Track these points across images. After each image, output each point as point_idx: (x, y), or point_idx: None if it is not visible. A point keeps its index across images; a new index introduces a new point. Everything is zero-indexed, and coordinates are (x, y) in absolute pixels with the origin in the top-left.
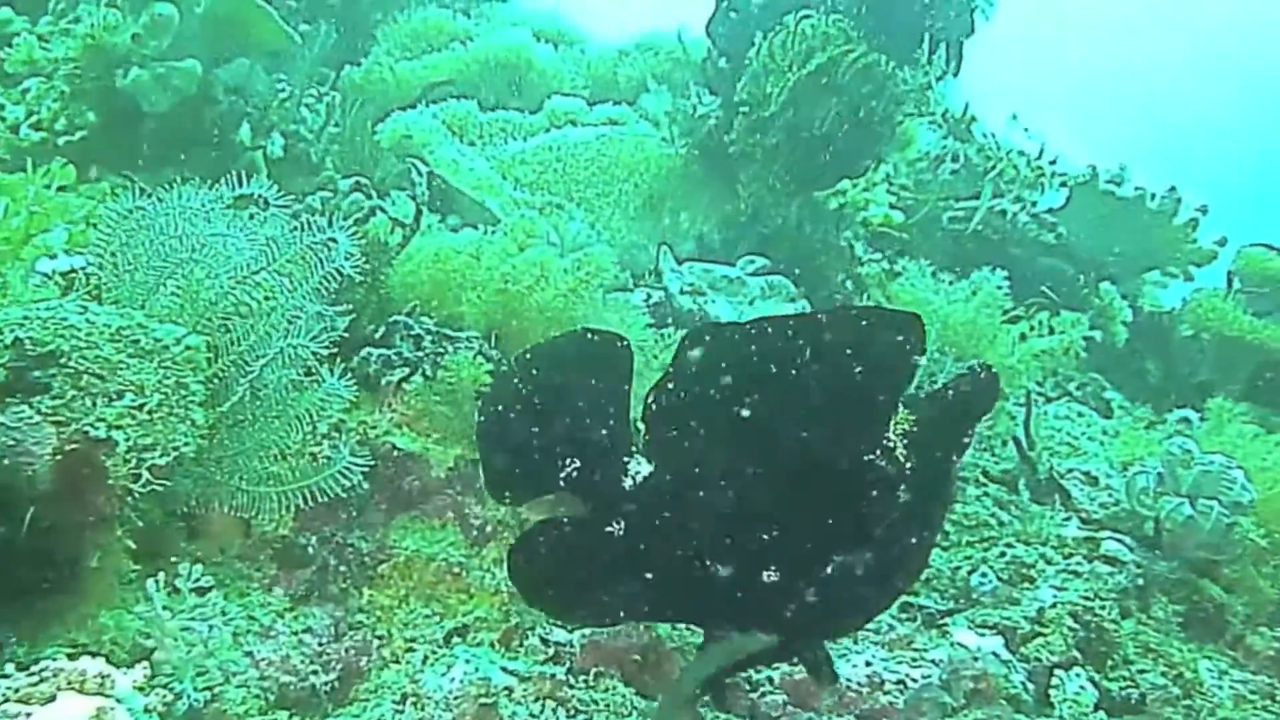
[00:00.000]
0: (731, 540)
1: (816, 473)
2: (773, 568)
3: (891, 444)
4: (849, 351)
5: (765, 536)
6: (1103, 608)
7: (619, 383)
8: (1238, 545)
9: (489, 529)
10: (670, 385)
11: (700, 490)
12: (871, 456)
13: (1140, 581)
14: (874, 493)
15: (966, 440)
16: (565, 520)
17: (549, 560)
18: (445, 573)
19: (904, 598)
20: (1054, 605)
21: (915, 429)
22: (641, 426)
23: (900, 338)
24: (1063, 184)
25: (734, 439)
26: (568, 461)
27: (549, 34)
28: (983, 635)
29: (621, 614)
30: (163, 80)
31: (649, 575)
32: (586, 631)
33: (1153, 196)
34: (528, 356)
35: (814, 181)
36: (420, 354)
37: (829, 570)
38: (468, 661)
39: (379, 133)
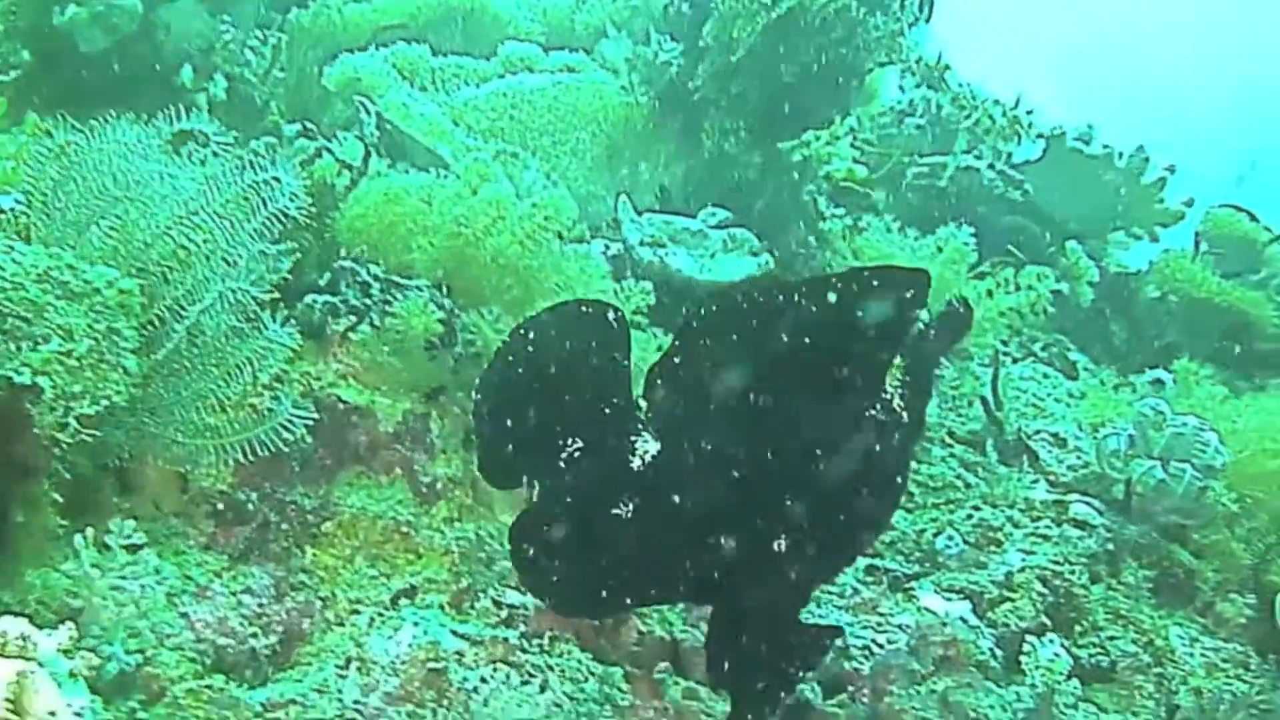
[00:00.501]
0: (739, 512)
1: (820, 434)
2: (783, 536)
3: (889, 396)
4: (856, 313)
5: (773, 505)
6: (1072, 573)
7: (618, 357)
8: (1209, 510)
9: (439, 486)
10: (676, 358)
11: (707, 464)
12: (873, 412)
13: (1110, 546)
14: (876, 447)
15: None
16: (567, 507)
17: (558, 553)
18: (393, 531)
19: (868, 560)
20: (1022, 570)
21: (907, 376)
22: (644, 403)
23: (909, 293)
24: (1039, 136)
25: (741, 408)
26: (569, 443)
27: None
28: (950, 600)
29: (629, 602)
30: (101, 19)
31: (657, 558)
32: None
33: (1120, 155)
34: (522, 331)
35: (781, 131)
36: (368, 301)
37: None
38: (416, 624)
39: (326, 76)
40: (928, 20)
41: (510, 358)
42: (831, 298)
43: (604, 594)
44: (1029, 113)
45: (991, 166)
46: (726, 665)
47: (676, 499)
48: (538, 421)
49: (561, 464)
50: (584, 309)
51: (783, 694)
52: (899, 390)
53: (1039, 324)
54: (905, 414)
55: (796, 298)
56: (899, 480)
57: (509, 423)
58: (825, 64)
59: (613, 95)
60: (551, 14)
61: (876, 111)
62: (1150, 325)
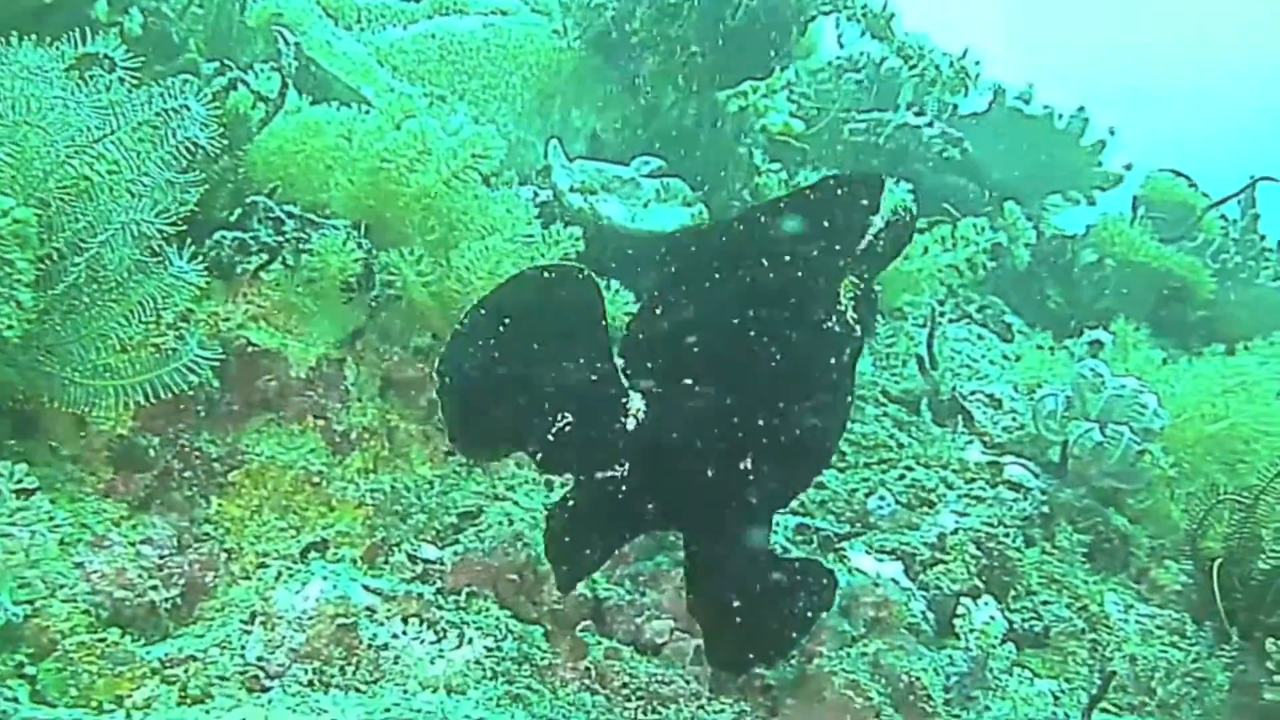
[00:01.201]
0: (717, 441)
1: (782, 351)
2: (749, 456)
3: (843, 307)
4: (823, 221)
5: (746, 428)
6: (1006, 535)
7: (593, 320)
8: (1145, 474)
9: (353, 435)
10: (656, 308)
11: (689, 403)
12: (829, 324)
13: (1044, 509)
14: (831, 359)
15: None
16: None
17: (577, 530)
18: (303, 482)
19: (799, 519)
20: (955, 531)
21: (859, 288)
22: (622, 359)
23: (866, 199)
24: (998, 92)
25: (720, 338)
26: (559, 416)
27: None
28: (881, 561)
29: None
30: None
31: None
32: (458, 550)
33: (1060, 116)
34: (483, 308)
35: (721, 78)
36: (281, 239)
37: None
38: (325, 578)
39: (248, 12)
40: None
41: (478, 329)
42: (800, 210)
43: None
44: (976, 63)
45: (931, 124)
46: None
47: (661, 439)
48: (519, 391)
49: (551, 436)
50: (546, 273)
51: (794, 634)
52: (851, 303)
53: (974, 285)
54: (857, 328)
55: (764, 219)
56: (848, 399)
57: (485, 395)
58: (768, 8)
59: (545, 39)
60: None
61: (815, 66)
62: (1086, 289)
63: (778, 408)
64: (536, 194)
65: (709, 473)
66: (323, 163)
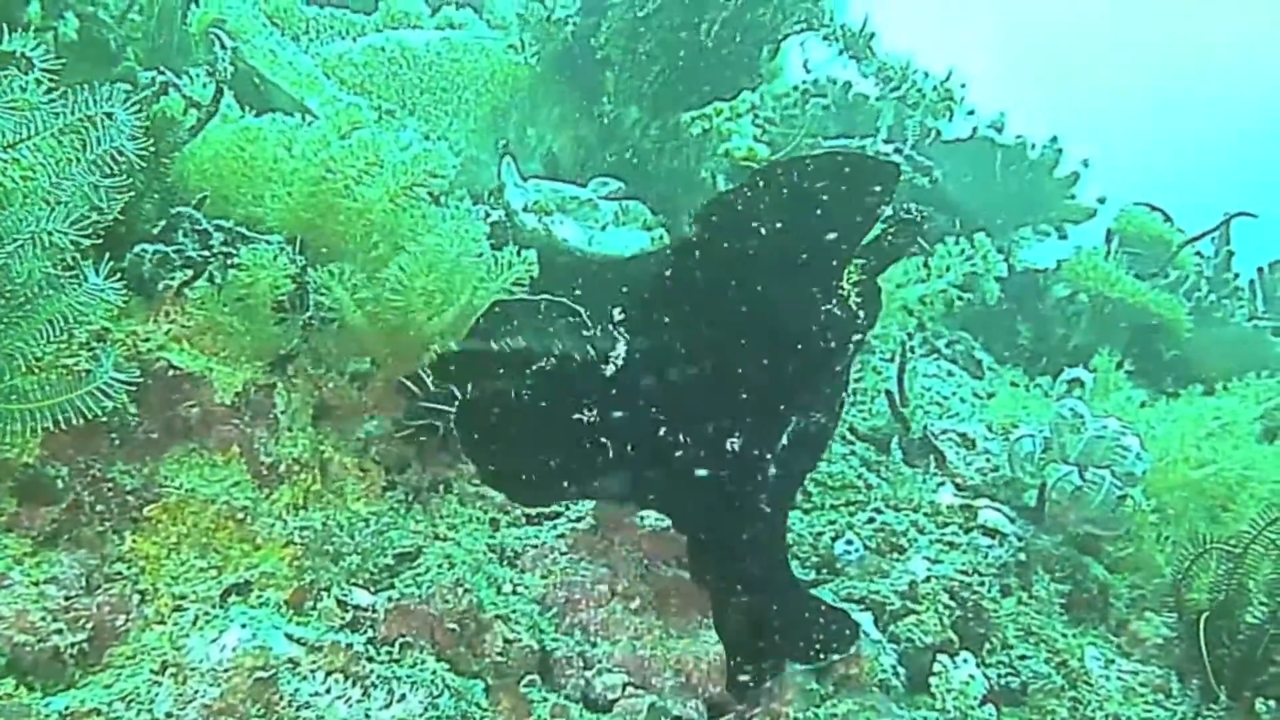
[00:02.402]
0: (701, 409)
1: (782, 328)
2: (737, 435)
3: (845, 293)
4: (826, 198)
5: (734, 401)
6: (981, 584)
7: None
8: (1124, 520)
9: (282, 468)
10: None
11: (675, 364)
12: (829, 306)
13: (1021, 556)
14: (831, 343)
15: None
16: (526, 397)
17: (507, 439)
18: (226, 518)
19: None
20: (928, 579)
21: (864, 277)
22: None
23: (877, 183)
24: (970, 112)
25: (716, 301)
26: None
27: None
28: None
29: (576, 490)
30: None
31: (617, 454)
32: (393, 595)
33: (1033, 146)
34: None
35: (688, 98)
36: (208, 254)
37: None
38: (244, 625)
39: (190, 19)
40: None
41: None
42: (803, 174)
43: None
44: (962, 86)
45: (899, 151)
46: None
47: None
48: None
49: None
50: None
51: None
52: (855, 291)
53: (943, 319)
54: (860, 314)
55: (778, 175)
56: (843, 395)
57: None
58: (740, 26)
59: (500, 54)
60: None
61: (780, 90)
62: (1058, 325)
63: (775, 387)
64: (488, 214)
65: (705, 459)
66: (260, 173)
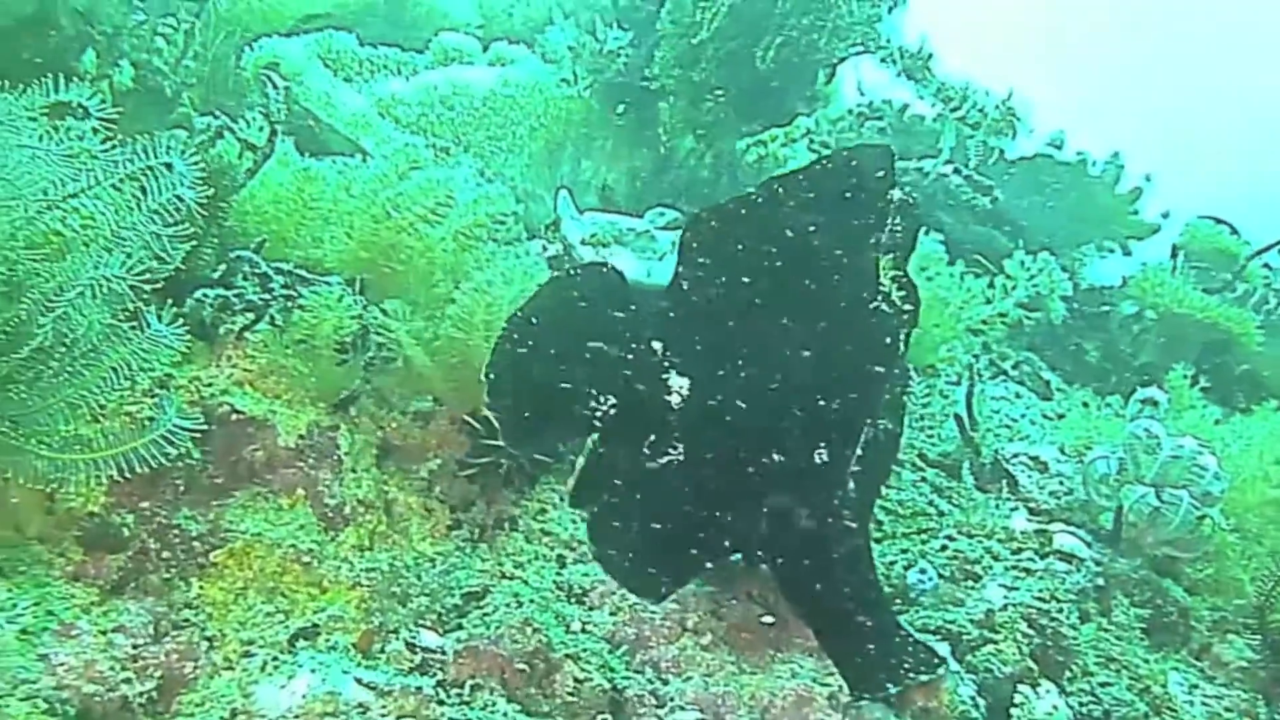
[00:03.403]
0: (780, 423)
1: (832, 325)
2: (821, 444)
3: (887, 289)
4: (833, 192)
5: (807, 410)
6: (1059, 610)
7: (623, 308)
8: (1204, 542)
9: (347, 510)
10: (683, 283)
11: (740, 381)
12: (876, 303)
13: (1099, 581)
14: (886, 340)
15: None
16: (621, 475)
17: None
18: (292, 561)
19: None
20: (1004, 607)
21: (898, 272)
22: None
23: (878, 168)
24: (1032, 131)
25: (757, 316)
26: (602, 400)
27: None
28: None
29: (707, 564)
30: None
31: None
32: (461, 636)
33: (1094, 163)
34: (519, 314)
35: (748, 122)
36: (268, 297)
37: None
38: (314, 671)
39: (244, 63)
40: (904, 4)
41: (517, 336)
42: (809, 182)
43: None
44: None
45: (958, 171)
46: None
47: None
48: (560, 386)
49: (596, 422)
50: (571, 273)
51: (889, 683)
52: (895, 284)
53: (1009, 339)
54: (906, 306)
55: (779, 191)
56: (905, 399)
57: (526, 393)
58: (797, 50)
59: (553, 88)
60: (488, 6)
61: (835, 114)
62: (1126, 343)
63: (842, 395)
64: (545, 247)
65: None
66: (320, 215)
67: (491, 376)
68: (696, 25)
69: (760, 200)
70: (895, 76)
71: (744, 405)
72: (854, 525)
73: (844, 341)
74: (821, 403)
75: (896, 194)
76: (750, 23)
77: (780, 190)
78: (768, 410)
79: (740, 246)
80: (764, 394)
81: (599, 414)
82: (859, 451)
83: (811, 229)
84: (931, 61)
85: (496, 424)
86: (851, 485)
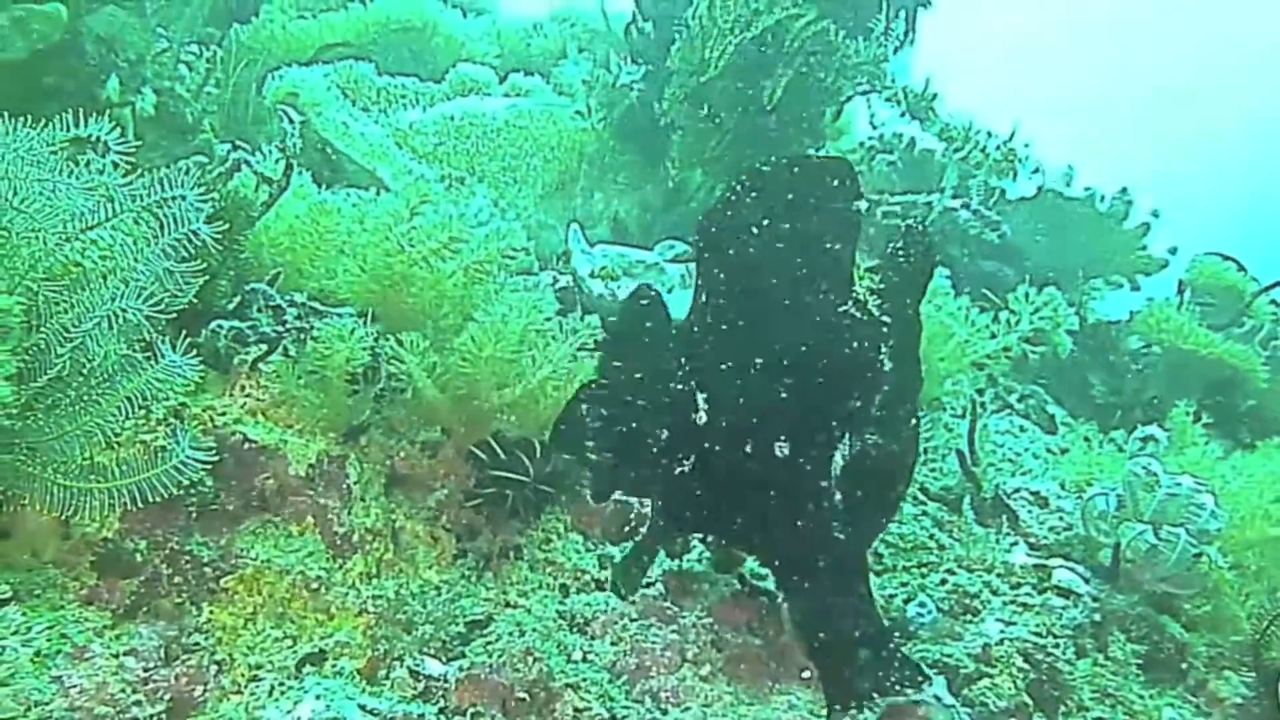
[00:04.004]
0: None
1: (807, 332)
2: (783, 440)
3: (861, 297)
4: (797, 201)
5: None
6: (1056, 646)
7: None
8: (1202, 579)
9: (355, 538)
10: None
11: (742, 392)
12: (845, 307)
13: (1096, 617)
14: (857, 344)
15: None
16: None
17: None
18: (301, 588)
19: None
20: (1001, 642)
21: (883, 285)
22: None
23: (835, 182)
24: (1035, 171)
25: (746, 326)
26: (659, 432)
27: (456, 0)
28: None
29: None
30: (21, 24)
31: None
32: (464, 664)
33: (1102, 198)
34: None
35: (751, 160)
36: (281, 328)
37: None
38: (318, 696)
39: (265, 92)
40: (911, 44)
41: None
42: (771, 182)
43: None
44: (1025, 145)
45: (966, 206)
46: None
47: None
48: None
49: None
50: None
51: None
52: (871, 294)
53: (1015, 373)
54: (884, 319)
55: (747, 186)
56: (910, 423)
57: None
58: (803, 89)
59: (567, 120)
60: (506, 37)
61: (847, 148)
62: (1132, 378)
63: (811, 398)
64: (556, 279)
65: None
66: (334, 247)
67: (563, 428)
68: (705, 64)
69: (733, 198)
70: (899, 116)
71: (733, 404)
72: (842, 537)
73: (810, 342)
74: (787, 402)
75: (862, 204)
76: (757, 62)
77: (746, 186)
78: (747, 409)
79: (726, 245)
80: (743, 393)
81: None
82: (840, 460)
83: (771, 226)
84: (936, 101)
85: (589, 474)
86: (839, 496)
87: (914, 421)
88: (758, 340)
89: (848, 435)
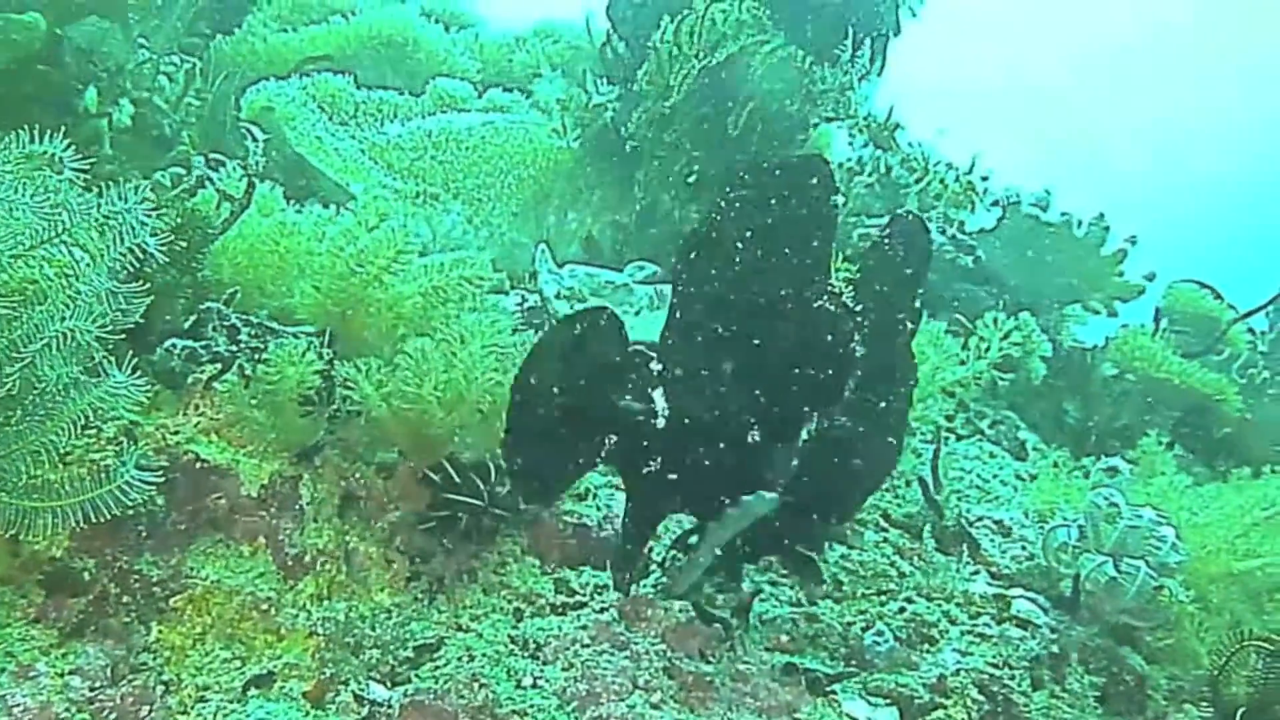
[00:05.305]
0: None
1: (778, 321)
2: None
3: (836, 289)
4: (773, 200)
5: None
6: (1012, 677)
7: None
8: (1164, 611)
9: (307, 559)
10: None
11: (710, 386)
12: (820, 301)
13: (1054, 648)
14: (828, 335)
15: (916, 303)
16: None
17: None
18: (251, 608)
19: (786, 657)
20: (957, 672)
21: (858, 276)
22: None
23: (813, 179)
24: (994, 203)
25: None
26: (607, 439)
27: (440, 14)
28: (875, 705)
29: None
30: None
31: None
32: (409, 689)
33: (1079, 224)
34: (531, 362)
35: (716, 185)
36: (235, 348)
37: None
38: None
39: (242, 107)
40: (879, 74)
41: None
42: (753, 178)
43: None
44: (984, 178)
45: (943, 231)
46: None
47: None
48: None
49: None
50: (576, 319)
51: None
52: (847, 285)
53: (988, 399)
54: (857, 311)
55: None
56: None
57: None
58: (767, 117)
59: (543, 138)
60: (488, 52)
61: None
62: (1106, 405)
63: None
64: (524, 299)
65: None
66: (294, 265)
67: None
68: (670, 88)
69: (716, 215)
70: (861, 147)
71: (705, 389)
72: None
73: (785, 331)
74: (759, 389)
75: (839, 199)
76: (722, 88)
77: (730, 192)
78: (718, 396)
79: (711, 253)
80: (718, 380)
81: (603, 451)
82: (805, 435)
83: (754, 228)
84: (898, 132)
85: (513, 482)
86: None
87: (888, 404)
88: (734, 332)
89: (814, 415)
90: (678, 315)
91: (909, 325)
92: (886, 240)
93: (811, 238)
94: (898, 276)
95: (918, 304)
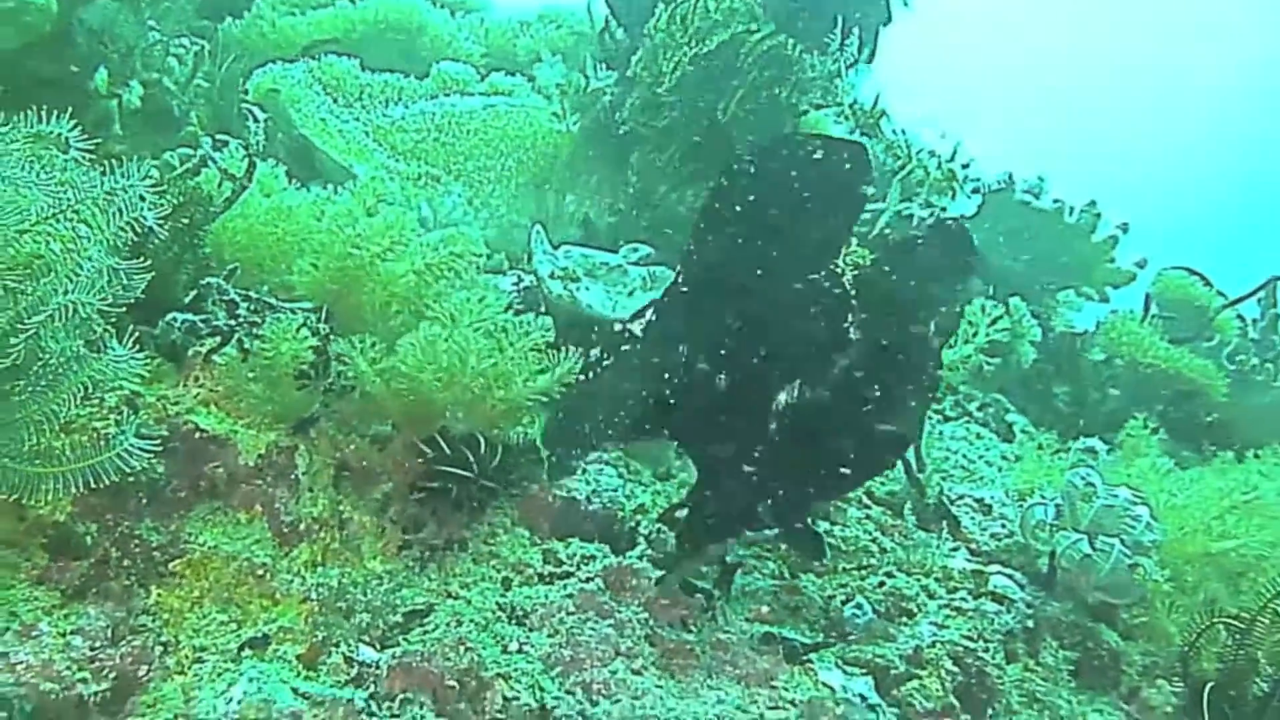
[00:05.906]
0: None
1: (777, 290)
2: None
3: (839, 269)
4: (807, 172)
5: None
6: (986, 650)
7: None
8: (1138, 589)
9: (302, 526)
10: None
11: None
12: (815, 276)
13: (1029, 623)
14: (815, 310)
15: (946, 309)
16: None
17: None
18: (248, 574)
19: (766, 628)
20: (933, 644)
21: (870, 264)
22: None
23: (846, 162)
24: (975, 190)
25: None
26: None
27: None
28: (851, 674)
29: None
30: (12, 15)
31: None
32: (398, 651)
33: (1071, 210)
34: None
35: (711, 170)
36: (234, 322)
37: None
38: (251, 680)
39: (249, 88)
40: (869, 62)
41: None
42: (789, 151)
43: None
44: (965, 166)
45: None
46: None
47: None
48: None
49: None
50: None
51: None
52: (852, 269)
53: (978, 382)
54: (854, 295)
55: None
56: (870, 378)
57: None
58: (758, 103)
59: (543, 123)
60: (493, 36)
61: None
62: (1094, 389)
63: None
64: (520, 279)
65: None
66: (290, 244)
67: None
68: (662, 75)
69: (749, 163)
70: (849, 133)
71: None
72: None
73: (786, 304)
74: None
75: (870, 190)
76: (712, 76)
77: (760, 154)
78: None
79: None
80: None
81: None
82: (784, 399)
83: (777, 192)
84: (883, 120)
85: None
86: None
87: (891, 395)
88: (735, 290)
89: (797, 382)
90: (693, 256)
91: (933, 327)
92: (922, 241)
93: (832, 217)
94: (927, 277)
95: (958, 310)
